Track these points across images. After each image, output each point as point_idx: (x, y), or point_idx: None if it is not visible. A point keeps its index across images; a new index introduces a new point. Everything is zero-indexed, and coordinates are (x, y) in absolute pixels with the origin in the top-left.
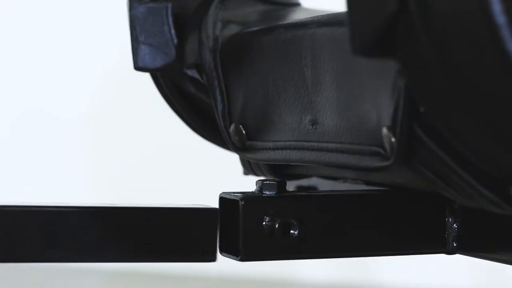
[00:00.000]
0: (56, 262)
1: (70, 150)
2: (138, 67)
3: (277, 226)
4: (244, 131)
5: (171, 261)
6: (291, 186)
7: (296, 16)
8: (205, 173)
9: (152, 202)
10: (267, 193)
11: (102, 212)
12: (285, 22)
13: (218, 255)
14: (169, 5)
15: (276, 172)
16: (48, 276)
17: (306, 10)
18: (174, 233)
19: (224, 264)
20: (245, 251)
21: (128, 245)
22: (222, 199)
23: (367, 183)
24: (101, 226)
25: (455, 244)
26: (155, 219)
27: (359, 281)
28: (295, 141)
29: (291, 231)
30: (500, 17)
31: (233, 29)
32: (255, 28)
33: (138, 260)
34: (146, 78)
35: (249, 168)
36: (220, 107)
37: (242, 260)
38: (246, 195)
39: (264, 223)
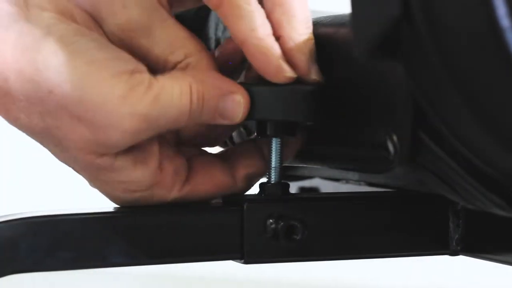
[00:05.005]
0: (84, 268)
1: None
2: None
3: (280, 228)
4: (245, 132)
5: (198, 261)
6: (293, 187)
7: None
8: None
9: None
10: (271, 195)
11: (126, 216)
12: None
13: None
14: None
15: None
16: (65, 277)
17: None
18: (199, 232)
19: (225, 264)
20: (248, 254)
21: (152, 247)
22: (226, 202)
23: (370, 184)
24: (126, 230)
25: (458, 245)
26: (178, 220)
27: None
28: None
29: (295, 233)
30: (504, 21)
31: None
32: None
33: (165, 262)
34: None
35: None
36: None
37: (246, 262)
38: (249, 198)
39: (267, 225)
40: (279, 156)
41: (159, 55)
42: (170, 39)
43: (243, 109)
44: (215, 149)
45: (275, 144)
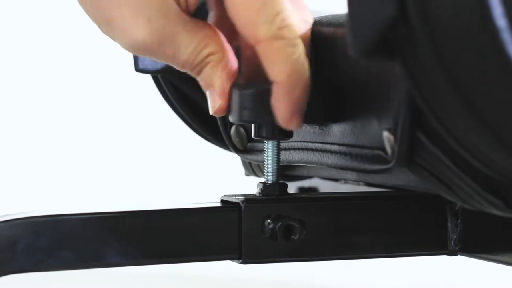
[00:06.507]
0: (84, 268)
1: (70, 149)
2: (138, 69)
3: (278, 228)
4: (244, 133)
5: (196, 261)
6: (292, 187)
7: None
8: (206, 175)
9: (169, 203)
10: (269, 195)
11: (123, 217)
12: None
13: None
14: None
15: None
16: (60, 277)
17: None
18: (197, 232)
19: (225, 265)
20: (246, 254)
21: (151, 247)
22: (224, 202)
23: (369, 184)
24: (125, 230)
25: (456, 246)
26: (177, 220)
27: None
28: (299, 141)
29: (293, 233)
30: (500, 21)
31: None
32: None
33: (165, 262)
34: (147, 80)
35: (250, 169)
36: None
37: (244, 263)
38: (247, 198)
39: (265, 225)
40: (276, 157)
41: (185, 60)
42: (194, 42)
43: (219, 107)
44: (220, 154)
45: (271, 146)
